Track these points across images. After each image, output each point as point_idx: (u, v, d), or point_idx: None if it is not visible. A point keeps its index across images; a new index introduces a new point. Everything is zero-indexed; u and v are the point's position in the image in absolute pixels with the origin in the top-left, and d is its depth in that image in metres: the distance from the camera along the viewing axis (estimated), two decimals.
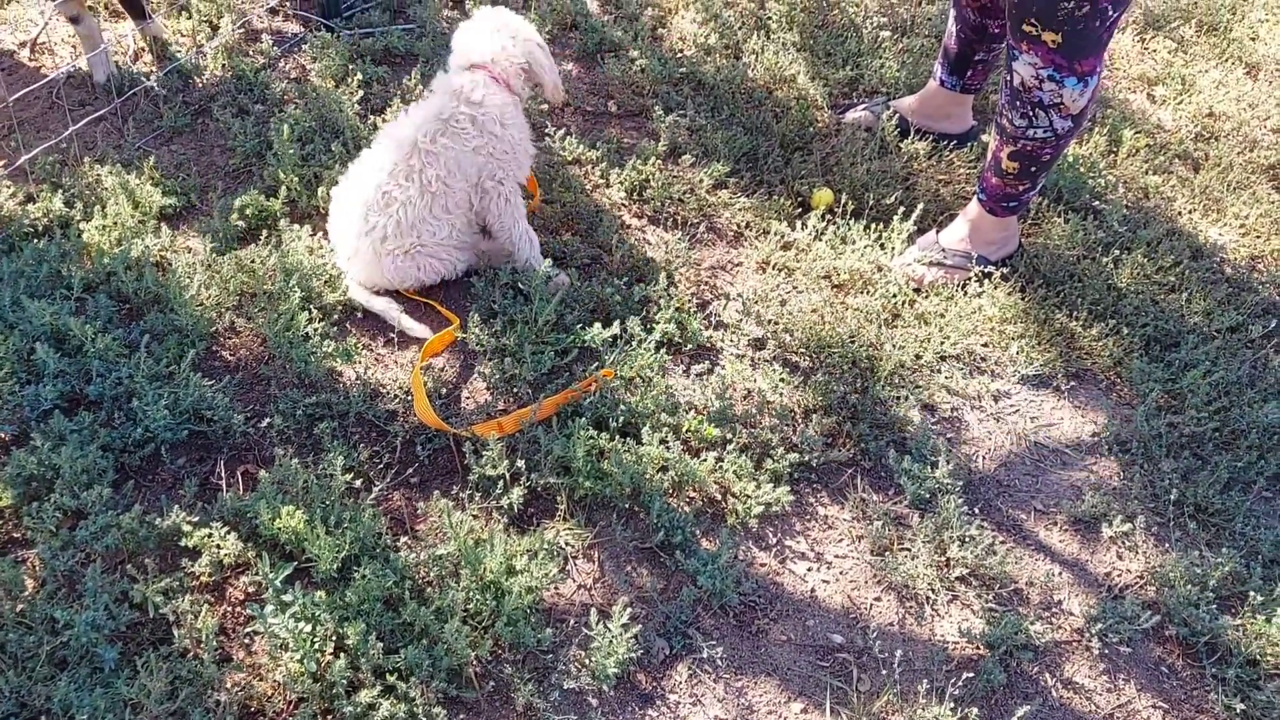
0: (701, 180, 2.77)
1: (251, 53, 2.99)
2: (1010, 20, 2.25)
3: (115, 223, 2.41)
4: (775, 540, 2.10)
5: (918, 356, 2.44)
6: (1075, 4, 2.12)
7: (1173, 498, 2.21)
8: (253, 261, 2.38)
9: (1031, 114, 2.33)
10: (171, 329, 2.25)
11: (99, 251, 2.36)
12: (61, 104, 2.78)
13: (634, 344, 2.33)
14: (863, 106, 3.04)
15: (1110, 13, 2.14)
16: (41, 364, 2.11)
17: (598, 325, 2.33)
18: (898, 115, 2.95)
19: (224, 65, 2.94)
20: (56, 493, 1.92)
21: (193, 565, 1.88)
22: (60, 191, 2.47)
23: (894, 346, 2.42)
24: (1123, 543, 2.17)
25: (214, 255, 2.38)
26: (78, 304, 2.26)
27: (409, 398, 2.22)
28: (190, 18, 3.06)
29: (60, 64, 2.93)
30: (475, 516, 2.04)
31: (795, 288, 2.57)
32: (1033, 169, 2.45)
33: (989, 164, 2.52)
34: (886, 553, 2.09)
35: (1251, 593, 2.02)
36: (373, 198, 2.31)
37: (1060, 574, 2.12)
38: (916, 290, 2.59)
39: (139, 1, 2.89)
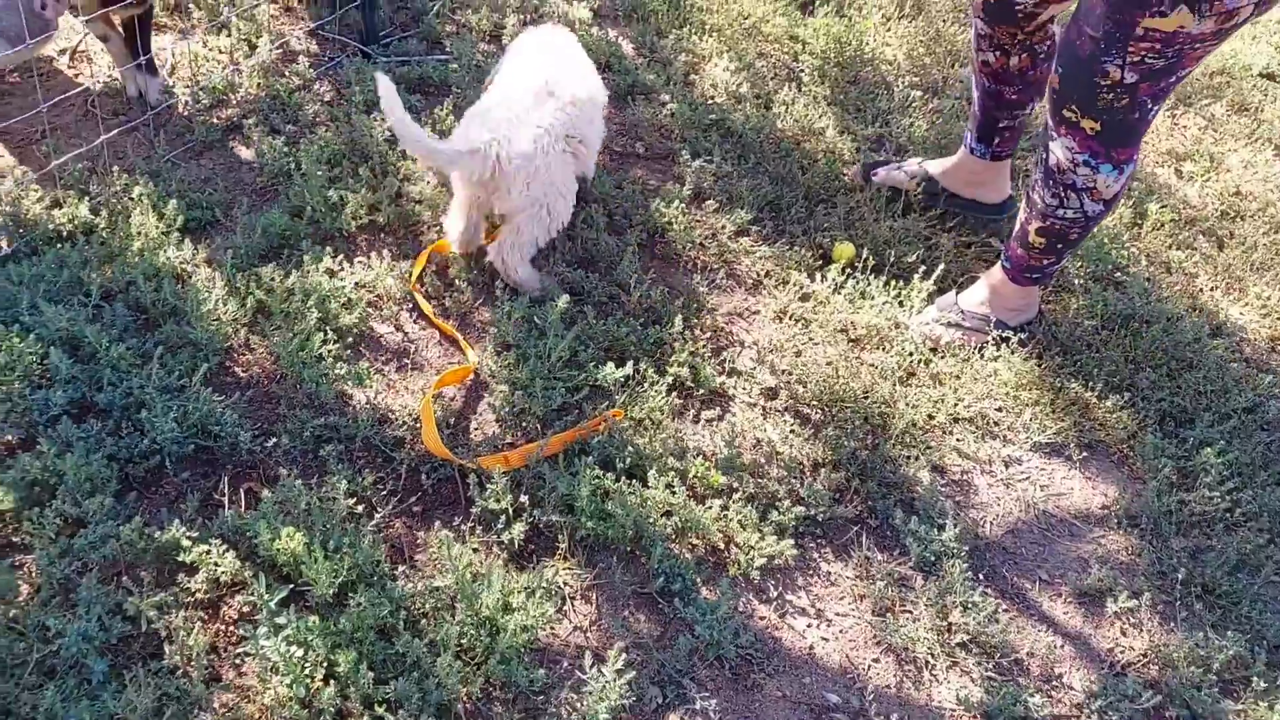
0: (724, 226, 2.78)
1: (287, 74, 3.03)
2: (1050, 104, 2.26)
3: (139, 232, 2.42)
4: (776, 594, 2.08)
5: (930, 417, 2.42)
6: (1115, 95, 2.12)
7: (1180, 576, 2.18)
8: (272, 279, 2.39)
9: (1063, 195, 2.33)
10: (186, 342, 2.25)
11: (120, 260, 2.37)
12: (95, 113, 2.81)
13: (646, 386, 2.32)
14: (893, 166, 3.00)
15: (1149, 106, 2.15)
16: (54, 369, 2.11)
17: (611, 364, 2.32)
18: (928, 177, 2.92)
19: (259, 84, 2.97)
20: (59, 499, 1.92)
21: (189, 581, 1.87)
22: (87, 198, 2.49)
23: (907, 405, 2.41)
24: (1127, 619, 2.13)
25: (234, 271, 2.39)
26: (95, 311, 2.27)
27: (418, 425, 2.21)
28: (230, 35, 3.09)
29: (98, 73, 2.97)
30: (475, 550, 2.02)
31: (811, 339, 2.56)
32: (1059, 245, 2.45)
33: (1016, 234, 2.51)
34: (888, 614, 2.07)
35: (1255, 678, 1.98)
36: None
37: (1062, 646, 2.08)
38: (933, 350, 2.58)
39: (146, 44, 2.79)
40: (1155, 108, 2.17)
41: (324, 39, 3.26)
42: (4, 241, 2.41)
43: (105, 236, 2.42)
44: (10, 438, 2.05)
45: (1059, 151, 2.29)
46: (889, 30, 3.70)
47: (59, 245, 2.40)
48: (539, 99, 2.38)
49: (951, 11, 3.85)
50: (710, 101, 3.22)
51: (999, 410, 2.50)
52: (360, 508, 2.05)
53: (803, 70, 3.40)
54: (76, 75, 2.98)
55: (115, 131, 2.73)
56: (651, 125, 3.12)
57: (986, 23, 2.54)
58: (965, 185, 2.91)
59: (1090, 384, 2.56)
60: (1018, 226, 2.51)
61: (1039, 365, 2.59)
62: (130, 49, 2.79)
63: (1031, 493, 2.36)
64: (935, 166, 2.95)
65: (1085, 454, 2.46)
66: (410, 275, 2.51)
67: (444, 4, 3.45)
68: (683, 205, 2.77)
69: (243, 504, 2.04)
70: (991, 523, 2.29)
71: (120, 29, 2.76)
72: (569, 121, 2.40)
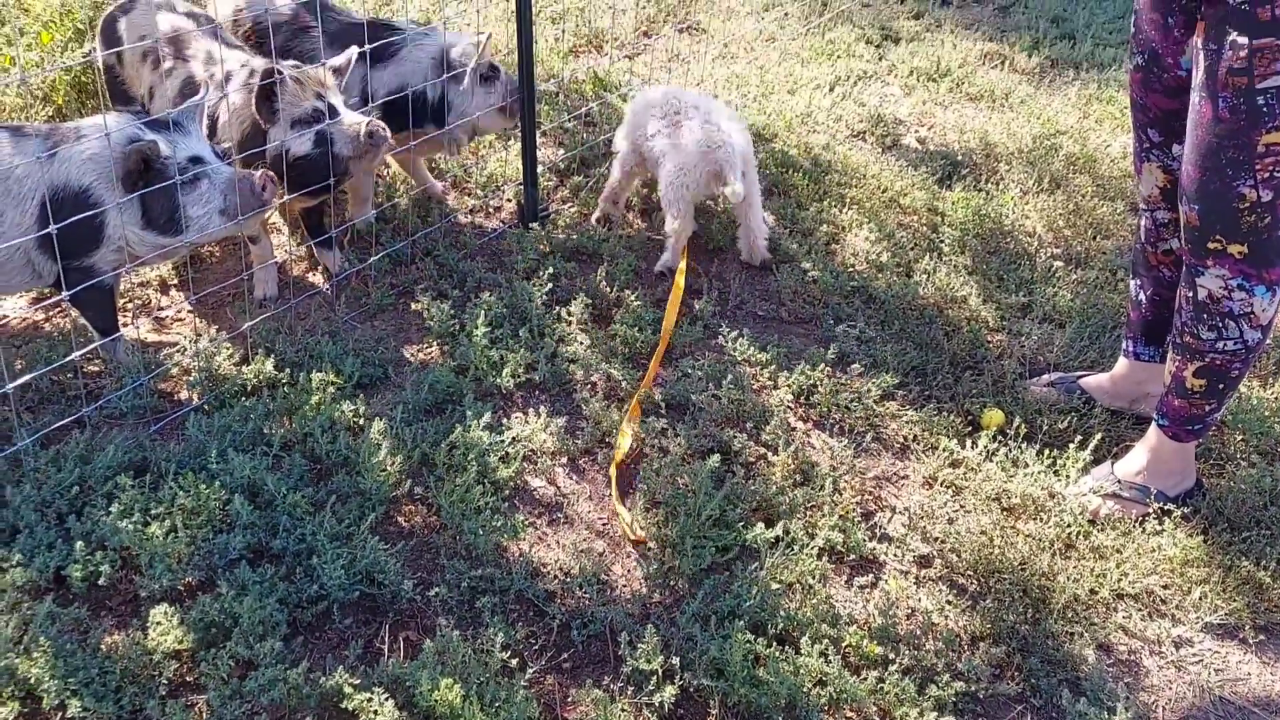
0: (869, 390, 2.80)
1: (455, 244, 3.26)
2: (1192, 242, 2.30)
3: (318, 388, 2.60)
4: None
5: (1093, 592, 2.33)
6: (1256, 216, 2.19)
7: None
8: (436, 433, 2.51)
9: (1221, 325, 2.32)
10: (356, 491, 2.37)
11: (299, 413, 2.53)
12: (286, 278, 3.07)
13: (796, 548, 2.32)
14: (1048, 382, 2.90)
15: None
16: (235, 514, 2.25)
17: (760, 525, 2.33)
18: (1086, 400, 2.84)
19: (426, 250, 3.21)
20: (233, 641, 2.00)
21: None
22: (272, 356, 2.69)
23: (1068, 579, 2.33)
24: None
25: (402, 425, 2.53)
26: (275, 461, 2.42)
27: (569, 579, 2.25)
28: (403, 210, 3.36)
29: (286, 244, 3.26)
30: (625, 710, 2.01)
31: (963, 507, 2.52)
32: (1220, 385, 2.40)
33: (1170, 386, 2.47)
34: None
35: None
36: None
37: None
38: (1091, 522, 2.50)
39: (323, 226, 3.07)
40: None
41: (488, 212, 3.51)
42: (195, 395, 2.61)
43: (287, 391, 2.60)
44: (191, 579, 2.17)
45: (1210, 283, 2.29)
46: (1028, 204, 3.76)
47: (245, 399, 2.59)
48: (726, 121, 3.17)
49: (1090, 187, 3.90)
50: (851, 269, 3.31)
51: (1165, 588, 2.38)
52: (514, 661, 2.07)
53: (942, 240, 3.47)
54: None
55: (302, 296, 2.97)
56: (794, 292, 3.21)
57: (1170, 209, 2.57)
58: (1132, 401, 2.82)
59: (1262, 563, 2.43)
60: (1169, 379, 2.47)
61: (1205, 541, 2.47)
62: (309, 230, 3.08)
63: (1205, 677, 2.22)
64: (1094, 384, 2.86)
65: (1261, 637, 2.31)
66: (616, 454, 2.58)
67: (597, 181, 3.68)
68: (828, 368, 2.82)
69: (402, 653, 2.09)
70: (1164, 707, 2.15)
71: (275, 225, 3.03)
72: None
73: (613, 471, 2.52)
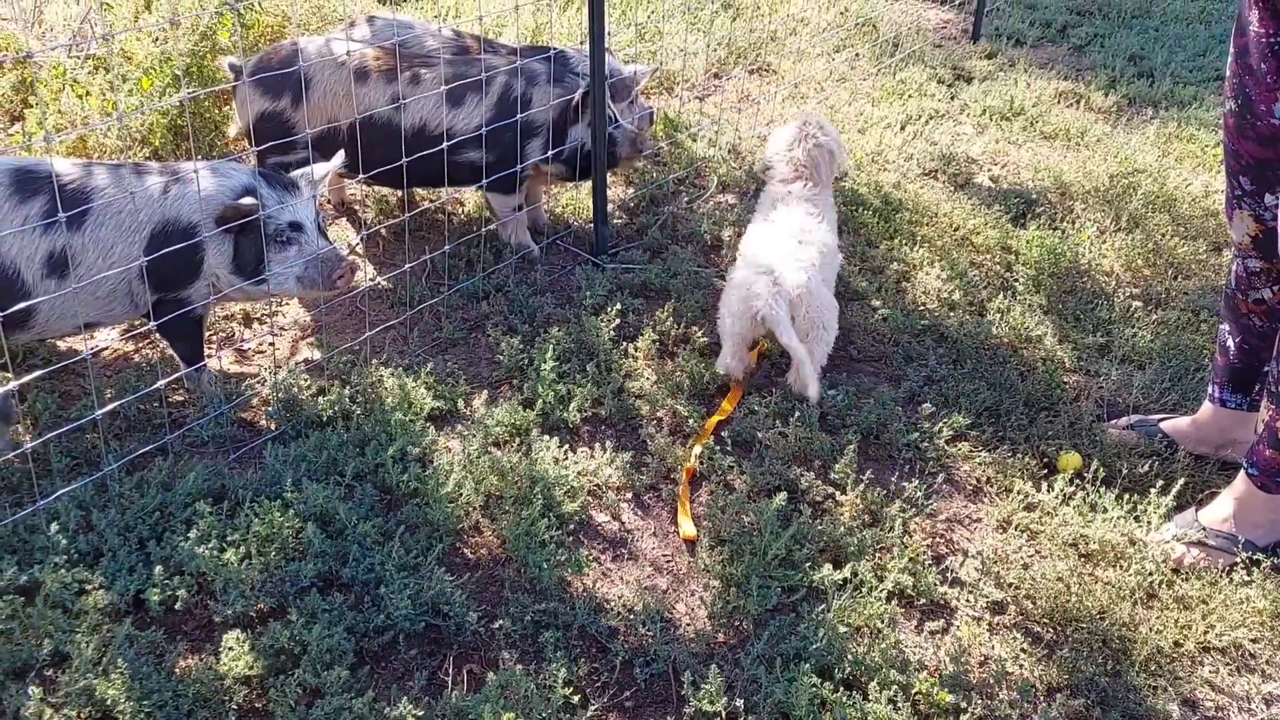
0: (940, 430, 2.75)
1: (525, 280, 3.31)
2: None
3: (390, 420, 2.64)
4: None
5: (1177, 644, 2.24)
6: None
7: None
8: (503, 466, 2.53)
9: None
10: (424, 522, 2.39)
11: (372, 444, 2.58)
12: (363, 311, 3.15)
13: (864, 591, 2.27)
14: (1127, 424, 2.82)
15: None
16: (308, 543, 2.29)
17: (828, 566, 2.30)
18: (1169, 444, 2.74)
19: (497, 285, 3.26)
20: (301, 668, 2.03)
21: None
22: (348, 387, 2.75)
23: (1150, 630, 2.24)
24: None
25: (470, 457, 2.55)
26: (347, 490, 2.46)
27: (632, 616, 2.24)
28: (476, 246, 3.43)
29: (364, 279, 3.33)
30: None
31: (1038, 552, 2.45)
32: None
33: (1262, 435, 2.38)
34: None
35: None
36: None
37: None
38: (1175, 570, 2.41)
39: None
40: None
41: (559, 250, 3.56)
42: (273, 424, 2.68)
43: (360, 422, 2.65)
44: (264, 605, 2.21)
45: None
46: (1105, 243, 3.68)
47: (320, 429, 2.64)
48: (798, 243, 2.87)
49: (1170, 226, 3.80)
50: (922, 308, 3.27)
51: (1255, 641, 2.28)
52: (576, 698, 2.06)
53: (1016, 279, 3.41)
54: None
55: (377, 329, 3.04)
56: (864, 330, 3.18)
57: (1262, 258, 2.49)
58: (1217, 447, 2.72)
59: None
60: (1261, 428, 2.38)
61: None
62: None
63: None
64: (1177, 427, 2.77)
65: None
66: (690, 453, 2.67)
67: (666, 219, 3.71)
68: (898, 407, 2.78)
69: (465, 685, 2.10)
70: None
71: None
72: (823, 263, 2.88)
73: (685, 474, 2.61)
